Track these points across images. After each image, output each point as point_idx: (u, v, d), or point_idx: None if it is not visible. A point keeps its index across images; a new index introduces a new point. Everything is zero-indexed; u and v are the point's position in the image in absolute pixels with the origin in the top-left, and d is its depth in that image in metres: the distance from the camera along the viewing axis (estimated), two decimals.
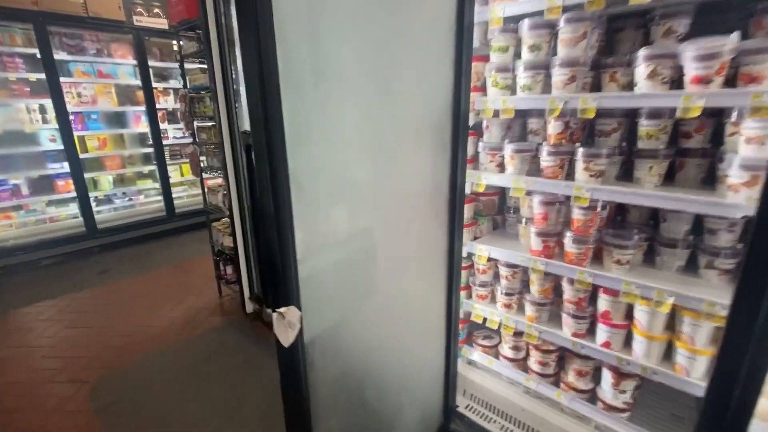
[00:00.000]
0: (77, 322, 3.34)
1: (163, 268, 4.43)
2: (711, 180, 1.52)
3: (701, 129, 1.48)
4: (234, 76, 2.96)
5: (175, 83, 5.31)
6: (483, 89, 1.81)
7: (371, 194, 1.20)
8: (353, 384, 1.21)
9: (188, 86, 3.45)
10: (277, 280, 0.87)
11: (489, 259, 1.86)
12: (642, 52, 1.35)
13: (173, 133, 5.44)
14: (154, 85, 5.03)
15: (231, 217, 3.15)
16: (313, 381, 1.00)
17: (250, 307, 3.33)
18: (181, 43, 3.39)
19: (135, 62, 4.84)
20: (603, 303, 1.62)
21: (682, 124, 1.50)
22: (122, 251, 4.90)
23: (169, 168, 5.29)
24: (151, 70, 4.95)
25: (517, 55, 1.72)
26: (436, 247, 1.62)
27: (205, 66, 3.28)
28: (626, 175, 1.63)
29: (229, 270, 3.60)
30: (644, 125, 1.49)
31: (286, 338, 0.88)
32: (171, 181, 5.33)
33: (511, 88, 1.73)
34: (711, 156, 1.48)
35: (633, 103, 1.39)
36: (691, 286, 1.43)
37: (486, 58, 1.77)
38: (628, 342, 1.62)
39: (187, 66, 3.49)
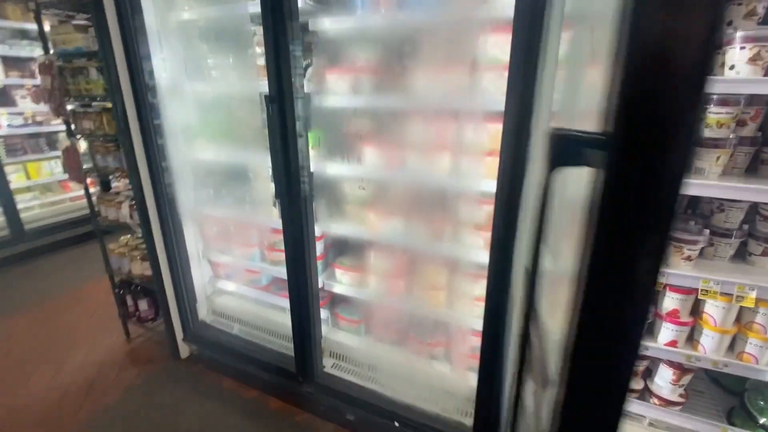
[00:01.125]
0: None
1: (18, 314, 3.13)
2: (753, 168, 1.55)
3: (757, 116, 1.47)
4: (139, 35, 2.01)
5: (6, 49, 3.74)
6: None
7: None
8: None
9: (51, 51, 2.36)
10: None
11: None
12: (742, 34, 1.24)
13: (9, 120, 3.87)
14: None
15: (149, 236, 2.29)
16: None
17: (186, 350, 2.53)
18: None
19: None
20: (671, 302, 1.55)
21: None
22: None
23: (6, 169, 3.76)
24: None
25: None
26: None
27: (84, 22, 2.29)
28: None
29: (144, 305, 2.70)
30: (715, 113, 1.41)
31: None
32: (12, 186, 3.80)
33: None
34: (761, 144, 1.50)
35: (730, 89, 1.28)
36: (756, 276, 1.43)
37: None
38: (690, 337, 1.58)
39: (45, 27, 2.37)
